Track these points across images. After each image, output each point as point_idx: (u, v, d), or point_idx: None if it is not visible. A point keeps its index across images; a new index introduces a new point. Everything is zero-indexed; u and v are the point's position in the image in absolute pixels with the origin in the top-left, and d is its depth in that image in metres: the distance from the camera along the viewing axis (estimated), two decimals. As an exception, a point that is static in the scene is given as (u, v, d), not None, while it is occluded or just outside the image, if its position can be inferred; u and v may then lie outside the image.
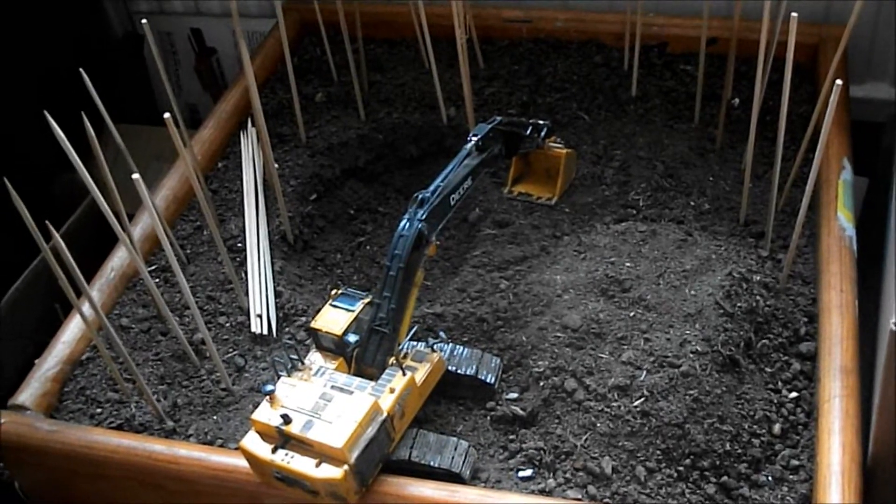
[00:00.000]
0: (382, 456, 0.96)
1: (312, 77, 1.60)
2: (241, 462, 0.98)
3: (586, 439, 1.00)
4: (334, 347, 1.02)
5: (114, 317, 1.21)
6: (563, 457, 1.00)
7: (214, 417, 1.09)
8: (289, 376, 0.99)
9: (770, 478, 0.98)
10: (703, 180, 1.32)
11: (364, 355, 1.01)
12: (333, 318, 1.02)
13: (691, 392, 1.01)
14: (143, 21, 1.19)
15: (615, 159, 1.37)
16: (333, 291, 1.06)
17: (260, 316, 1.18)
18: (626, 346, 1.06)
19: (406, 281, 1.00)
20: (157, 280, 1.25)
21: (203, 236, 1.32)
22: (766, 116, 1.32)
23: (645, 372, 1.03)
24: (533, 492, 0.98)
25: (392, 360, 1.00)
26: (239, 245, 1.29)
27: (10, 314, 1.43)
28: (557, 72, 1.53)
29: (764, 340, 1.09)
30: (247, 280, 1.23)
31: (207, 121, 1.48)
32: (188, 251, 1.30)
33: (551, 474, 0.99)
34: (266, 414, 0.93)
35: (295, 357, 1.01)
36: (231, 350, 1.16)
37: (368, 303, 1.03)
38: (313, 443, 0.90)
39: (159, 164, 1.68)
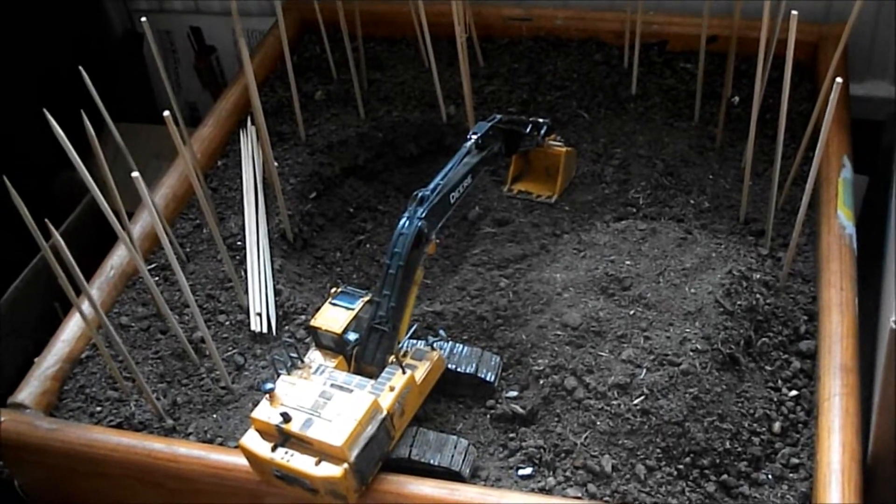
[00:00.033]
0: (382, 454, 0.96)
1: (312, 75, 1.60)
2: (241, 460, 0.97)
3: (586, 437, 1.00)
4: (334, 346, 1.02)
5: (113, 315, 1.21)
6: (562, 455, 1.00)
7: (214, 416, 1.09)
8: (288, 374, 0.99)
9: (770, 476, 0.98)
10: (703, 178, 1.32)
11: (364, 353, 1.01)
12: (333, 317, 1.02)
13: (691, 390, 1.01)
14: (143, 19, 1.19)
15: (615, 157, 1.37)
16: (333, 290, 1.06)
17: (259, 314, 1.18)
18: (626, 345, 1.06)
19: (406, 279, 1.00)
20: (157, 278, 1.25)
21: (203, 234, 1.32)
22: (766, 114, 1.32)
23: (645, 370, 1.03)
24: (533, 490, 0.98)
25: (392, 358, 1.00)
26: (238, 243, 1.29)
27: (10, 312, 1.43)
28: (557, 70, 1.53)
29: (764, 339, 1.09)
30: (246, 278, 1.23)
31: (207, 119, 1.48)
32: (188, 249, 1.30)
33: (551, 472, 0.99)
34: (266, 412, 0.93)
35: (295, 355, 1.01)
36: (231, 348, 1.16)
37: (368, 301, 1.03)
38: (313, 441, 0.90)
39: (159, 163, 1.68)
